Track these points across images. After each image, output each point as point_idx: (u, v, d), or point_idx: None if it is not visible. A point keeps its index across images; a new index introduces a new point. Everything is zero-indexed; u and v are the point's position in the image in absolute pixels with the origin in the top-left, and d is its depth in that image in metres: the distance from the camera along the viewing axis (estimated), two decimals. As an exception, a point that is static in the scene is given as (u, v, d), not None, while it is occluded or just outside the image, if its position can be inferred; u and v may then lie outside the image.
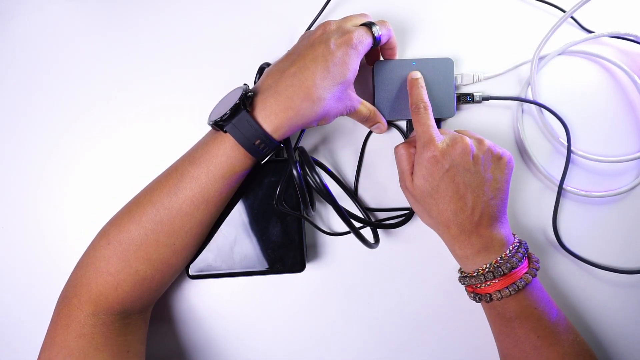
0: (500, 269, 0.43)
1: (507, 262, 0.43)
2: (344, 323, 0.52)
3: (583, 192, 0.51)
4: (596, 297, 0.51)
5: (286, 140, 0.44)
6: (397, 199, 0.52)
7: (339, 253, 0.52)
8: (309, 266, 0.51)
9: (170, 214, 0.43)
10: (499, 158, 0.45)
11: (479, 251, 0.44)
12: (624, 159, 0.51)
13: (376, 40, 0.45)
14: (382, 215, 0.52)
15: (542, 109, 0.51)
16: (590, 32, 0.53)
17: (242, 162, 0.43)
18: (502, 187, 0.45)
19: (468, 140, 0.44)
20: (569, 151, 0.50)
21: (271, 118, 0.42)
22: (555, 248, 0.52)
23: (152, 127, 0.53)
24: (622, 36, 0.52)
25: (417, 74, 0.49)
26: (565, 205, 0.52)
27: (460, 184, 0.43)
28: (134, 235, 0.43)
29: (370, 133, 0.52)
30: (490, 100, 0.51)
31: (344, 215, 0.43)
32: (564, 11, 0.52)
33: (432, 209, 0.45)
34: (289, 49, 0.46)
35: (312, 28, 0.50)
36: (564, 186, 0.51)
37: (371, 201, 0.52)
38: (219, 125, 0.42)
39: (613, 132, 0.52)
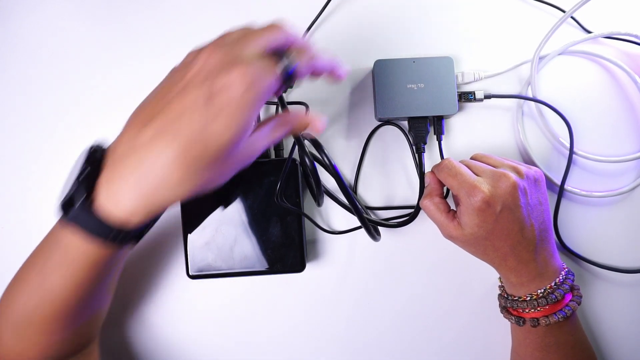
0: (553, 295, 0.42)
1: (559, 288, 0.43)
2: (344, 323, 0.51)
3: (583, 192, 0.51)
4: (597, 296, 0.51)
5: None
6: (398, 198, 0.52)
7: (339, 252, 0.52)
8: (309, 266, 0.50)
9: (44, 311, 0.36)
10: (535, 180, 0.44)
11: (535, 278, 0.43)
12: (624, 159, 0.51)
13: (286, 77, 0.32)
14: (382, 213, 0.52)
15: (543, 109, 0.51)
16: (590, 32, 0.53)
17: (105, 254, 0.34)
18: (545, 206, 0.44)
19: (511, 174, 0.42)
20: (571, 150, 0.50)
21: (123, 203, 0.31)
22: (557, 247, 0.51)
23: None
24: (622, 36, 0.52)
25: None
26: (565, 205, 0.52)
27: (514, 222, 0.42)
28: (22, 308, 0.36)
29: (372, 132, 0.52)
30: (492, 100, 0.51)
31: (350, 194, 0.42)
32: (564, 11, 0.52)
33: (488, 249, 0.44)
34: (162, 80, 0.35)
35: (203, 48, 0.34)
36: (564, 186, 0.51)
37: (372, 200, 0.52)
38: (64, 209, 0.33)
39: (613, 132, 0.52)
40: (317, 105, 0.52)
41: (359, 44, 0.53)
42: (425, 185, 0.48)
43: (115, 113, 0.53)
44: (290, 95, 0.53)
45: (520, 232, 0.42)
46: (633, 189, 0.51)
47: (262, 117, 0.52)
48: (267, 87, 0.31)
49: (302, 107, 0.48)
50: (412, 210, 0.50)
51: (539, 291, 0.43)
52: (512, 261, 0.43)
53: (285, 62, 0.32)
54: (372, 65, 0.50)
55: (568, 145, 0.50)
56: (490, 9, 0.53)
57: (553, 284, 0.43)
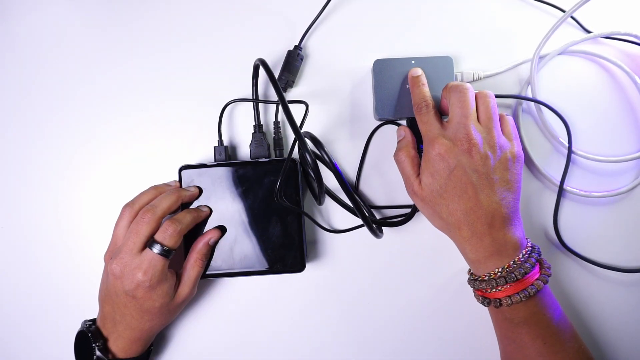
0: (512, 274, 0.41)
1: (520, 267, 0.42)
2: (345, 323, 0.51)
3: (583, 193, 0.51)
4: (596, 296, 0.51)
5: (293, 124, 0.41)
6: (399, 197, 0.52)
7: (339, 252, 0.52)
8: (309, 266, 0.51)
9: None
10: (508, 155, 0.43)
11: (492, 254, 0.42)
12: (623, 159, 0.51)
13: (171, 253, 0.44)
14: (383, 212, 0.52)
15: (542, 108, 0.51)
16: (590, 32, 0.53)
17: None
18: (513, 187, 0.43)
19: (475, 136, 0.42)
20: (570, 150, 0.50)
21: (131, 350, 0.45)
22: (557, 247, 0.52)
23: (152, 126, 0.53)
24: (622, 36, 0.52)
25: (418, 71, 0.48)
26: (565, 205, 0.52)
27: (467, 184, 0.42)
28: None
29: (373, 132, 0.52)
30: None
31: (349, 190, 0.42)
32: (563, 11, 0.52)
33: (443, 209, 0.43)
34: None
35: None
36: (563, 186, 0.51)
37: (373, 199, 0.52)
38: None
39: (613, 132, 0.52)
40: (317, 104, 0.52)
41: (359, 44, 0.53)
42: (399, 138, 0.48)
43: (114, 113, 0.53)
44: (291, 94, 0.53)
45: (475, 198, 0.42)
46: (632, 189, 0.51)
47: (261, 116, 0.52)
48: (159, 275, 0.43)
49: (302, 105, 0.48)
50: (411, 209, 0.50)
51: (497, 270, 0.42)
52: (466, 231, 0.43)
53: (163, 251, 0.43)
54: (371, 64, 0.50)
55: (567, 144, 0.51)
56: (490, 9, 0.53)
57: (512, 262, 0.42)
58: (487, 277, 0.43)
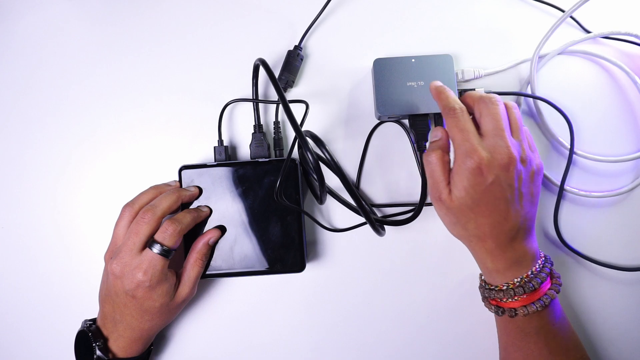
0: (530, 284, 0.42)
1: (537, 277, 0.42)
2: (345, 323, 0.51)
3: (582, 193, 0.51)
4: (597, 294, 0.51)
5: (294, 123, 0.41)
6: (401, 195, 0.52)
7: (339, 252, 0.52)
8: (309, 266, 0.51)
9: None
10: (535, 172, 0.43)
11: (511, 265, 0.42)
12: (623, 159, 0.51)
13: (170, 253, 0.44)
14: (385, 210, 0.52)
15: (543, 107, 0.51)
16: (589, 32, 0.53)
17: None
18: (535, 200, 0.44)
19: (514, 152, 0.41)
20: (572, 149, 0.50)
21: (131, 350, 0.45)
22: (557, 247, 0.52)
23: (152, 126, 0.53)
24: (621, 36, 0.52)
25: (438, 82, 0.46)
26: (564, 205, 0.52)
27: (501, 200, 0.41)
28: None
29: (373, 130, 0.52)
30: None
31: (351, 188, 0.42)
32: (563, 11, 0.52)
33: (470, 222, 0.42)
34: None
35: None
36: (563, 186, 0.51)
37: (374, 197, 0.52)
38: None
39: (613, 132, 0.52)
40: (318, 103, 0.52)
41: (359, 43, 0.53)
42: (435, 138, 0.45)
43: (114, 113, 0.53)
44: (291, 94, 0.53)
45: (505, 213, 0.41)
46: (632, 189, 0.51)
47: (261, 116, 0.52)
48: (159, 274, 0.43)
49: (302, 105, 0.48)
50: (414, 207, 0.50)
51: (516, 280, 0.42)
52: (491, 243, 0.42)
53: (162, 251, 0.43)
54: (371, 64, 0.50)
55: (567, 144, 0.51)
56: (490, 8, 0.53)
57: (530, 272, 0.42)
58: (505, 287, 0.43)
